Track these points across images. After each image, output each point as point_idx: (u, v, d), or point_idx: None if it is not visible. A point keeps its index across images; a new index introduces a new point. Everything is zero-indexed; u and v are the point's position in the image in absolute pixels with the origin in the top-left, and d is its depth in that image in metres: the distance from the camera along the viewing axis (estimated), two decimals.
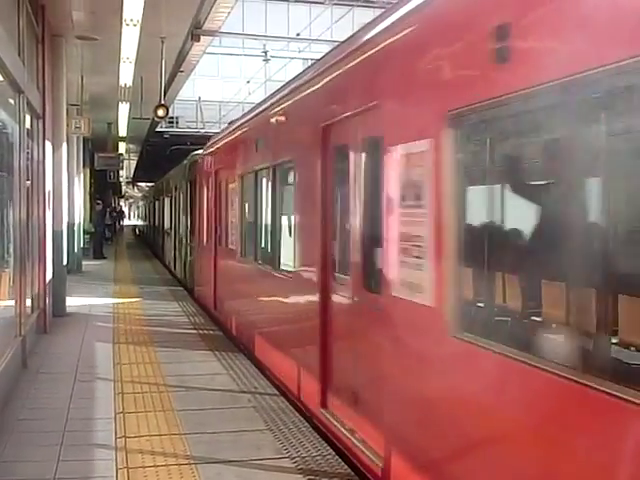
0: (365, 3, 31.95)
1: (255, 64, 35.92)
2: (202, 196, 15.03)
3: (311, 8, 36.34)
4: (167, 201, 25.81)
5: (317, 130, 6.66)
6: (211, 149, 14.34)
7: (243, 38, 34.32)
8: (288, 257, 8.08)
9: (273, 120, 8.74)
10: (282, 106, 8.49)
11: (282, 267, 8.47)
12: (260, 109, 10.03)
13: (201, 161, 15.60)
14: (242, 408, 7.28)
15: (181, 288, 18.54)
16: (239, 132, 11.38)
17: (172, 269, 22.58)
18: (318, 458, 5.81)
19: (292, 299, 7.99)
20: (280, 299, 8.54)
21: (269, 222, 9.26)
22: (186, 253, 18.72)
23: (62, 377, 8.66)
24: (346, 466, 5.67)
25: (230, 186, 11.92)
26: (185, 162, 19.69)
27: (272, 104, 9.12)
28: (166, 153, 32.18)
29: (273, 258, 8.91)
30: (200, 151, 16.65)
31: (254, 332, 9.76)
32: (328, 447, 6.09)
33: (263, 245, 9.81)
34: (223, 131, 14.00)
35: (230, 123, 13.81)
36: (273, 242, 9.04)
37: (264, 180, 9.54)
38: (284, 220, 8.72)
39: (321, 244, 6.64)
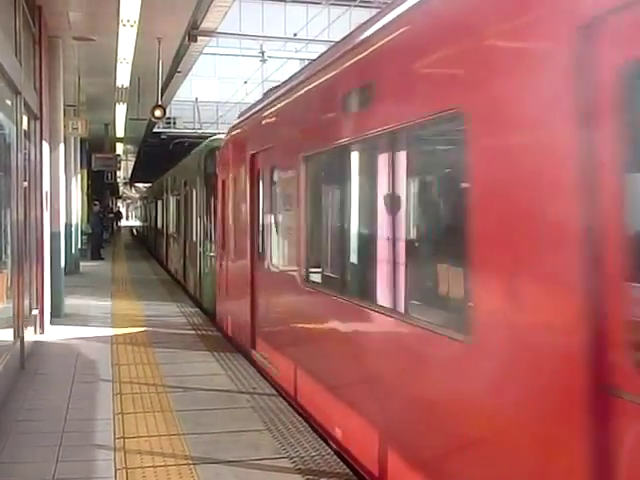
0: (362, 3, 31.99)
1: (252, 64, 35.93)
2: (226, 193, 11.43)
3: (308, 8, 36.36)
4: (173, 200, 22.39)
5: (564, 35, 3.14)
6: (244, 127, 10.55)
7: (240, 38, 34.31)
8: (456, 300, 4.34)
9: (400, 45, 5.03)
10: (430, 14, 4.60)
11: (426, 318, 4.62)
12: (359, 39, 5.89)
13: (225, 147, 11.98)
14: (241, 408, 7.29)
15: (192, 303, 15.49)
16: (302, 91, 7.48)
17: (181, 280, 19.29)
18: (317, 458, 5.81)
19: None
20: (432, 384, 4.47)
21: (387, 235, 5.29)
22: (202, 264, 15.14)
23: (60, 378, 8.66)
24: (345, 466, 5.67)
25: (281, 176, 8.18)
26: (200, 150, 16.07)
27: (397, 18, 5.11)
28: (169, 149, 32.15)
29: (394, 296, 5.09)
30: (221, 135, 13.94)
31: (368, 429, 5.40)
32: (327, 447, 6.09)
33: (369, 274, 5.69)
34: (265, 98, 9.71)
35: (272, 90, 9.56)
36: (402, 270, 5.06)
37: (367, 159, 5.91)
38: (435, 232, 4.96)
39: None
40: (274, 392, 7.89)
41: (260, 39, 30.75)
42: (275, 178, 8.47)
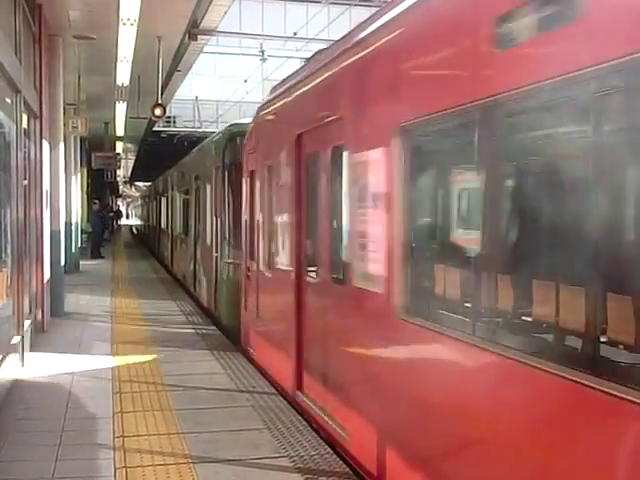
0: (362, 2, 31.99)
1: (252, 63, 35.93)
2: (257, 187, 9.30)
3: (308, 7, 36.34)
4: (179, 197, 20.46)
5: None
6: (284, 102, 8.32)
7: (240, 37, 34.31)
8: None
9: None
10: None
11: None
12: None
13: (255, 130, 9.81)
14: (240, 407, 7.29)
15: (203, 316, 13.36)
16: (395, 33, 5.21)
17: (190, 288, 16.97)
18: (316, 457, 5.81)
19: None
20: None
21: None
22: (218, 273, 12.88)
23: (60, 377, 8.65)
24: (344, 465, 5.67)
25: (352, 160, 5.74)
26: (216, 139, 14.04)
27: None
28: (170, 146, 32.18)
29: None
30: (244, 120, 12.47)
31: None
32: (326, 446, 6.09)
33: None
34: (320, 59, 7.31)
35: (327, 49, 7.55)
36: None
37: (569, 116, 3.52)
38: None
39: None
40: (274, 391, 7.88)
41: (260, 38, 30.75)
42: (338, 163, 6.13)
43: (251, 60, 37.14)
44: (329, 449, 6.01)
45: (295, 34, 22.44)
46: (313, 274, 6.94)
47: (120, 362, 9.34)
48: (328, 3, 24.91)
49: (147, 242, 38.76)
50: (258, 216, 9.23)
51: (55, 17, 12.52)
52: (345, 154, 5.92)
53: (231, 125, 13.15)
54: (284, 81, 8.88)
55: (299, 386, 7.20)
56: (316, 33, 20.47)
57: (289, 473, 5.50)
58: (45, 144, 12.46)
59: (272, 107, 8.87)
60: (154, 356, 9.72)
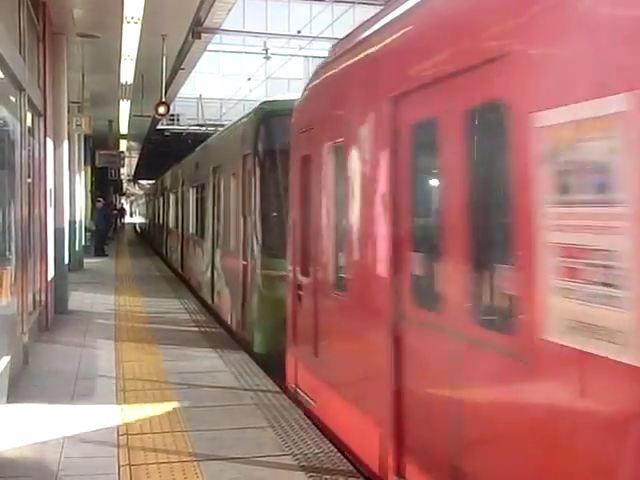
0: (366, 0, 31.94)
1: (256, 61, 35.94)
2: (315, 177, 6.67)
3: (312, 5, 36.33)
4: (192, 193, 18.12)
5: None
6: (366, 52, 5.69)
7: (244, 35, 34.34)
8: None
9: None
10: None
11: None
12: None
13: (312, 100, 7.27)
14: (244, 405, 7.29)
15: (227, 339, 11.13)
16: None
17: (207, 298, 14.42)
18: (320, 455, 5.82)
19: None
20: None
21: None
22: (249, 286, 10.34)
23: (64, 374, 8.66)
24: (348, 463, 5.67)
25: (537, 121, 3.14)
26: (244, 121, 11.44)
27: None
28: (175, 144, 32.20)
29: None
30: (278, 96, 10.68)
31: None
32: (330, 444, 6.09)
33: None
34: None
35: None
36: None
37: None
38: None
39: None
40: (277, 389, 7.89)
41: (264, 36, 30.73)
42: (484, 133, 4.01)
43: (255, 58, 37.14)
44: (333, 447, 6.01)
45: (299, 32, 22.43)
46: (428, 308, 4.44)
47: (123, 360, 9.35)
48: (332, 1, 24.90)
49: (152, 241, 38.68)
50: (316, 216, 6.68)
51: (59, 15, 12.54)
52: (511, 116, 3.43)
53: (264, 103, 10.70)
54: (356, 30, 6.36)
55: (398, 470, 4.77)
56: (320, 31, 20.46)
57: (293, 471, 5.50)
58: (49, 142, 12.48)
59: (341, 66, 6.30)
60: (158, 354, 9.73)
